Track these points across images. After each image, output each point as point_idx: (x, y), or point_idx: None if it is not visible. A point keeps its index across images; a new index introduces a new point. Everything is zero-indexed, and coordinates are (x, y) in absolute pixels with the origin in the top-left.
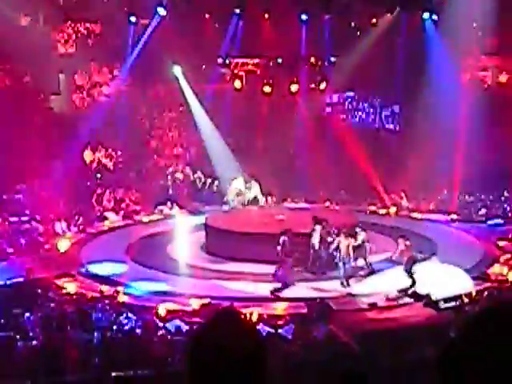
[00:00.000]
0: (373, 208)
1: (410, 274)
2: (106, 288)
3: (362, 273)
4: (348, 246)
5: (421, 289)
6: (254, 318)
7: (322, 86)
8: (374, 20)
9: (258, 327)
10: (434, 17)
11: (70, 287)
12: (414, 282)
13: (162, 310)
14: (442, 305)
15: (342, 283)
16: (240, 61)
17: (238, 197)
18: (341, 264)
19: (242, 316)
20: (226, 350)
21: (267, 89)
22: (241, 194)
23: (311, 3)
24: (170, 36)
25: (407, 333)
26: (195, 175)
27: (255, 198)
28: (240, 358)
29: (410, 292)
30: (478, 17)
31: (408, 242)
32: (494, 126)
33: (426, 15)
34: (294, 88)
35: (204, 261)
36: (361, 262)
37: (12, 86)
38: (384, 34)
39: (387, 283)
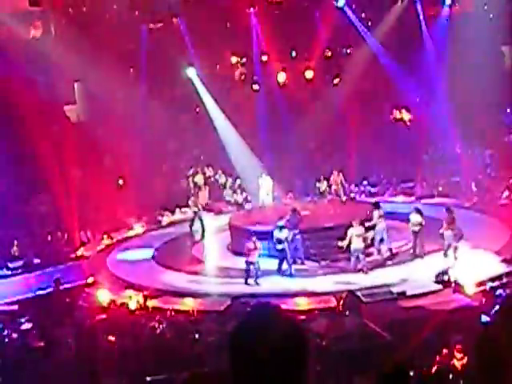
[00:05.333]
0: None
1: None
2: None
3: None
4: (359, 236)
5: (450, 274)
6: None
7: (336, 80)
8: None
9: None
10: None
11: (99, 295)
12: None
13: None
14: (472, 289)
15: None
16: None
17: (268, 196)
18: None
19: (280, 308)
20: (267, 338)
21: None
22: (269, 194)
23: None
24: (183, 38)
25: (438, 320)
26: (216, 176)
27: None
28: (282, 346)
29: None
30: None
31: (454, 215)
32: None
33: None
34: (309, 75)
35: (230, 260)
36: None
37: (28, 96)
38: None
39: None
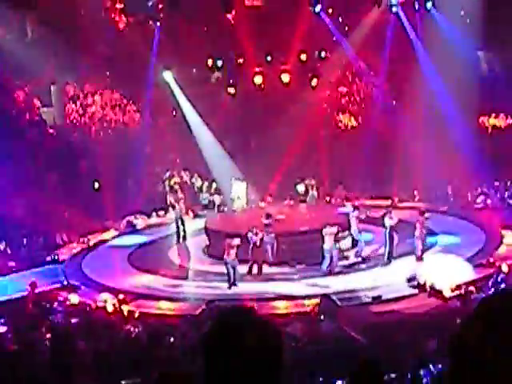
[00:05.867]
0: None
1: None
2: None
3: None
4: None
5: (426, 279)
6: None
7: (314, 82)
8: None
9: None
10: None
11: (74, 299)
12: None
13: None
14: (447, 294)
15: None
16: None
17: (239, 200)
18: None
19: (254, 311)
20: (241, 341)
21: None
22: (242, 197)
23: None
24: (160, 41)
25: (413, 324)
26: (192, 179)
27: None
28: (256, 347)
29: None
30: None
31: (427, 215)
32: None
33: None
34: (285, 78)
35: (206, 264)
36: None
37: (4, 99)
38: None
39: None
